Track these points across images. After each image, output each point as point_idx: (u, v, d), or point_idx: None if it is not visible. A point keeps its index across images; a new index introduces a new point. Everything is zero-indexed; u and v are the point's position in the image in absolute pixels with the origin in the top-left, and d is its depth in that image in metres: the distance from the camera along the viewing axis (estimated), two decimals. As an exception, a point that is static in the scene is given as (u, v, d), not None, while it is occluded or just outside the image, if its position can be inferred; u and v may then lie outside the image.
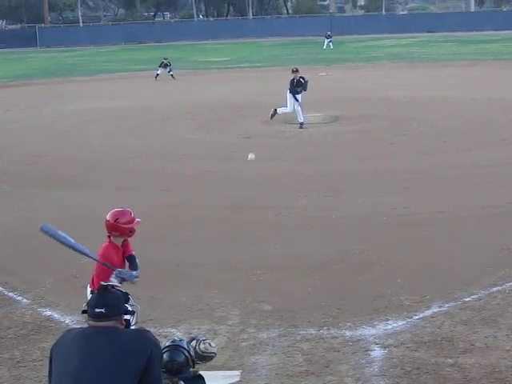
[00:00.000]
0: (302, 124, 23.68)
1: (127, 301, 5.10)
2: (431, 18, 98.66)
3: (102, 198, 15.39)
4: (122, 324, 4.97)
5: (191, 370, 5.63)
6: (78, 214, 14.23)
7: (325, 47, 67.19)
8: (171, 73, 42.85)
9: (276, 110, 24.41)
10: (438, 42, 71.78)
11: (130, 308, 5.10)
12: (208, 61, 54.41)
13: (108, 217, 7.60)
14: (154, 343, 4.86)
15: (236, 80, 41.46)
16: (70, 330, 5.13)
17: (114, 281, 7.23)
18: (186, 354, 5.60)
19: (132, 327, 5.13)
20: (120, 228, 7.56)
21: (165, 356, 5.54)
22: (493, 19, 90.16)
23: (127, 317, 5.08)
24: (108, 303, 4.88)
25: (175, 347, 5.58)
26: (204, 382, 5.68)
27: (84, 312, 4.95)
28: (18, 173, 18.29)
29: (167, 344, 5.67)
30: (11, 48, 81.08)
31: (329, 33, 69.99)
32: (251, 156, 18.19)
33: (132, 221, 7.64)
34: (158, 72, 43.10)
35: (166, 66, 43.29)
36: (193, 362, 5.65)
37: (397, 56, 56.24)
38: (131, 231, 7.64)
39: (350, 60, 53.36)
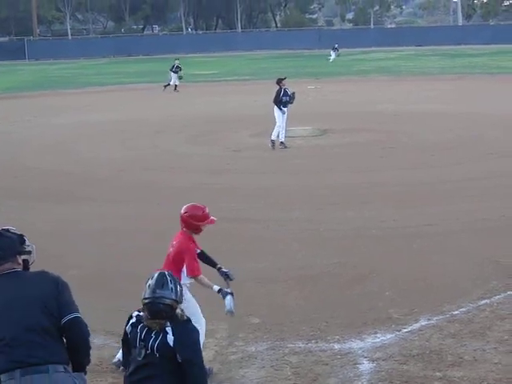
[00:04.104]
0: (274, 142, 22.16)
1: (23, 242, 5.41)
2: (419, 32, 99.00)
3: (93, 212, 15.39)
4: (19, 264, 5.36)
5: (178, 312, 5.52)
6: (69, 228, 14.21)
7: (331, 58, 67.11)
8: (171, 82, 42.68)
9: (272, 140, 22.21)
10: (426, 56, 72.10)
11: (26, 248, 5.41)
12: (197, 74, 54.40)
13: (182, 209, 8.05)
14: (58, 279, 5.39)
15: (225, 93, 41.50)
16: None
17: (185, 282, 7.81)
18: (169, 302, 5.44)
19: (30, 265, 5.49)
20: (185, 221, 7.94)
21: (146, 309, 5.49)
22: (480, 33, 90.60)
23: (25, 257, 5.40)
24: (1, 246, 5.27)
25: (154, 300, 5.44)
26: (191, 325, 5.61)
27: None
28: (8, 185, 18.22)
29: (147, 295, 5.49)
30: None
31: (336, 45, 69.41)
32: None
33: (201, 218, 7.93)
34: (171, 82, 42.70)
35: (177, 68, 42.65)
36: (177, 302, 5.51)
37: (385, 69, 56.44)
38: (197, 228, 7.96)
39: (338, 73, 53.51)
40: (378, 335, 8.91)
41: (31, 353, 5.05)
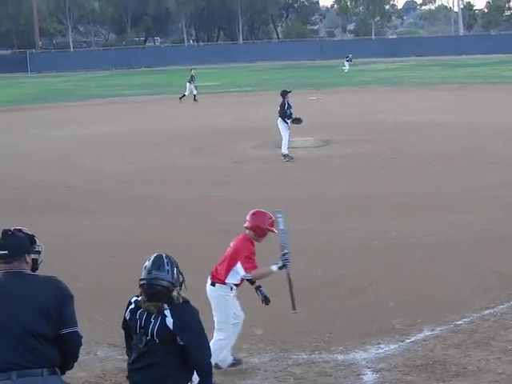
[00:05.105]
0: (286, 156, 22.14)
1: (33, 242, 5.52)
2: (420, 42, 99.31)
3: (94, 224, 15.39)
4: (27, 263, 5.44)
5: (174, 295, 5.51)
6: (70, 240, 14.21)
7: (346, 69, 67.21)
8: (195, 92, 43.03)
9: (284, 154, 22.14)
10: (426, 66, 72.14)
11: (36, 248, 5.54)
12: (199, 85, 54.52)
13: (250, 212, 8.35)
14: (65, 290, 5.46)
15: (227, 105, 41.50)
16: None
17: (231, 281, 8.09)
18: (165, 283, 5.45)
19: (39, 264, 5.61)
20: (248, 222, 8.24)
21: (143, 290, 5.52)
22: (482, 43, 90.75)
23: (34, 256, 5.51)
24: (10, 245, 5.37)
25: (149, 281, 5.48)
26: (190, 307, 5.60)
27: None
28: (9, 198, 18.22)
29: (143, 276, 5.54)
30: (2, 73, 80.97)
31: (350, 55, 69.30)
32: None
33: (269, 223, 8.29)
34: (194, 92, 43.13)
35: (192, 78, 42.96)
36: (173, 284, 5.52)
37: (387, 80, 56.51)
38: (262, 231, 8.25)
39: (340, 84, 53.58)
40: (382, 346, 8.90)
41: (28, 356, 5.19)
